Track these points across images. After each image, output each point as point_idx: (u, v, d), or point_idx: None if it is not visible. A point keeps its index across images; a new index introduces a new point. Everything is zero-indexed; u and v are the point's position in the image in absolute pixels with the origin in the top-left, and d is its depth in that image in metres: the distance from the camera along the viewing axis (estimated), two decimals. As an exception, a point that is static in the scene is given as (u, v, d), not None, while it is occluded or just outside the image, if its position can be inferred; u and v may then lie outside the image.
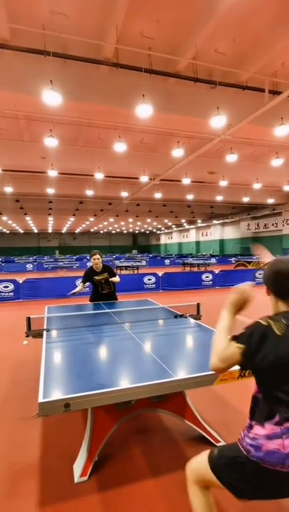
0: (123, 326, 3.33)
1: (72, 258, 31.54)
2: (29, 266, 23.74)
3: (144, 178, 15.36)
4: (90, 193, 18.45)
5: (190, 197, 20.98)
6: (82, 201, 23.41)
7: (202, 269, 19.03)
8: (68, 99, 7.47)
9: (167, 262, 27.88)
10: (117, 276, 4.88)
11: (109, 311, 4.13)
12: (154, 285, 12.31)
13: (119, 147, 10.78)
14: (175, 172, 14.35)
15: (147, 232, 57.42)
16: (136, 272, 17.42)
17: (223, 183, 17.12)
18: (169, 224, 43.94)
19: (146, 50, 7.18)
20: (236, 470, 1.27)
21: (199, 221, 38.88)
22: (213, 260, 26.24)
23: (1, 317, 8.31)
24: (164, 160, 13.69)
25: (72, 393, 1.73)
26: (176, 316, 3.66)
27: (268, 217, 29.40)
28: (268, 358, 1.22)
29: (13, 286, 10.76)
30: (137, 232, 57.42)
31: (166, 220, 38.42)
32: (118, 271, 17.75)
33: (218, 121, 8.21)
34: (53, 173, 13.97)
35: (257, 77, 8.11)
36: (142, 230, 54.27)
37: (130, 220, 36.33)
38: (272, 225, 28.93)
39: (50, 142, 10.21)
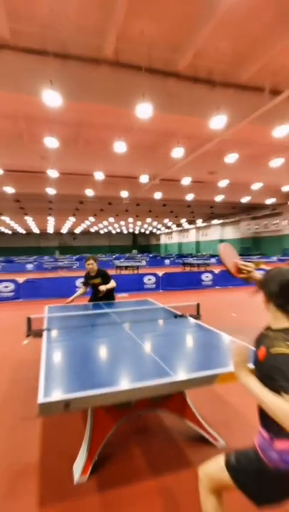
0: (123, 326, 3.33)
1: (72, 258, 31.55)
2: (29, 266, 23.74)
3: (144, 178, 15.37)
4: (90, 193, 18.45)
5: (190, 197, 20.99)
6: (82, 201, 23.42)
7: (202, 269, 19.01)
8: (68, 99, 7.48)
9: (167, 262, 27.88)
10: (112, 281, 4.91)
11: (109, 311, 4.13)
12: (154, 285, 12.31)
13: (119, 147, 10.78)
14: (175, 172, 14.36)
15: (147, 232, 57.42)
16: (136, 271, 17.41)
17: (223, 183, 17.13)
18: (169, 224, 43.95)
19: (146, 49, 7.18)
20: (259, 479, 1.29)
21: (199, 221, 38.89)
22: (213, 260, 26.21)
23: (1, 317, 8.31)
24: (164, 160, 13.70)
25: (72, 393, 1.73)
26: (176, 316, 3.65)
27: (268, 217, 29.41)
28: None
29: (13, 286, 10.76)
30: (137, 232, 57.42)
31: (166, 220, 38.44)
32: (118, 271, 17.76)
33: (218, 121, 8.22)
34: (53, 173, 13.98)
35: (257, 77, 8.12)
36: (142, 230, 54.28)
37: (130, 220, 36.35)
38: (273, 225, 28.93)
39: (50, 142, 10.22)
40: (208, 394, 3.36)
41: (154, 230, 54.38)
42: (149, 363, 2.22)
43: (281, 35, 6.80)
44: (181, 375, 1.97)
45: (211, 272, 13.39)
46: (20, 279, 11.19)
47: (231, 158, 12.34)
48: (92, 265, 4.86)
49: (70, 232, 51.31)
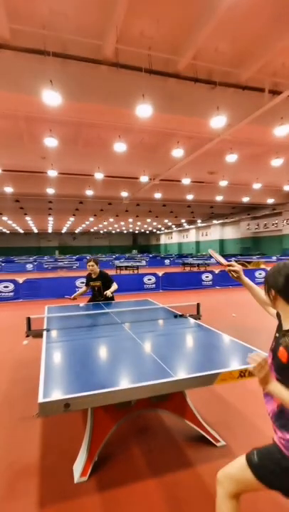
0: (123, 326, 3.33)
1: (72, 258, 31.57)
2: (29, 266, 23.75)
3: (144, 178, 15.37)
4: (89, 193, 18.46)
5: (190, 197, 20.99)
6: (82, 201, 23.42)
7: (202, 269, 19.04)
8: (68, 100, 7.48)
9: (167, 262, 27.90)
10: (114, 284, 4.90)
11: (109, 311, 4.13)
12: (154, 285, 12.32)
13: (119, 147, 10.78)
14: (175, 172, 14.36)
15: (147, 232, 57.44)
16: (136, 271, 17.42)
17: (223, 183, 17.13)
18: (169, 224, 43.96)
19: (146, 50, 7.18)
20: (286, 475, 1.29)
21: (199, 221, 38.91)
22: (213, 260, 26.22)
23: (1, 317, 8.31)
24: (164, 160, 13.69)
25: (72, 393, 1.73)
26: (176, 316, 3.66)
27: (267, 217, 29.42)
28: None
29: (13, 286, 10.77)
30: (137, 232, 57.44)
31: (166, 220, 38.44)
32: (118, 271, 17.78)
33: (218, 121, 8.22)
34: (53, 173, 13.98)
35: (257, 77, 8.11)
36: (142, 230, 54.30)
37: (130, 220, 36.35)
38: (272, 225, 28.94)
39: (50, 142, 10.22)
40: (208, 394, 3.36)
41: (154, 230, 54.39)
42: (149, 363, 2.22)
43: (281, 34, 6.80)
44: (181, 374, 1.97)
45: (211, 272, 13.40)
46: (20, 279, 11.19)
47: (231, 158, 12.34)
48: (92, 267, 4.86)
49: (70, 232, 51.32)
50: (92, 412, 2.31)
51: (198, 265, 21.50)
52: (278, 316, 1.46)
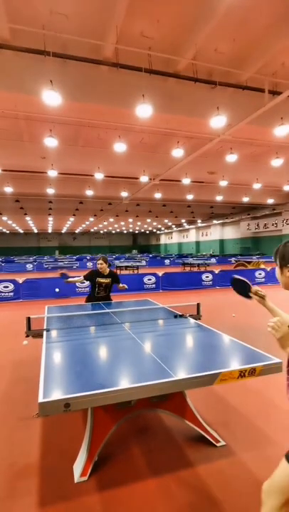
0: (123, 326, 3.33)
1: (72, 258, 31.57)
2: (29, 266, 23.76)
3: (144, 178, 15.36)
4: (90, 193, 18.45)
5: (190, 197, 20.98)
6: (82, 201, 23.42)
7: (202, 269, 19.03)
8: (68, 100, 7.48)
9: (167, 262, 27.89)
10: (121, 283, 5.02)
11: (109, 311, 4.13)
12: (154, 285, 12.32)
13: (119, 147, 10.78)
14: (175, 172, 14.34)
15: (147, 232, 57.42)
16: (136, 271, 17.41)
17: (223, 183, 17.12)
18: (169, 224, 43.94)
19: (146, 50, 7.18)
20: None
21: (199, 221, 38.90)
22: (213, 260, 26.24)
23: (1, 317, 8.31)
24: (164, 160, 13.69)
25: (72, 393, 1.73)
26: (176, 316, 3.66)
27: (267, 217, 29.40)
28: None
29: (13, 286, 10.77)
30: (137, 232, 57.41)
31: (166, 220, 38.42)
32: (118, 271, 17.76)
33: (218, 121, 8.21)
34: (53, 173, 13.97)
35: (257, 77, 8.11)
36: (142, 230, 54.28)
37: (130, 220, 36.34)
38: (272, 225, 28.92)
39: (50, 142, 10.21)
40: (208, 394, 3.36)
41: (154, 230, 54.38)
42: (149, 363, 2.22)
43: (281, 35, 6.80)
44: (181, 374, 1.97)
45: (211, 272, 13.39)
46: (20, 279, 11.19)
47: (231, 158, 12.34)
48: (102, 265, 4.91)
49: (70, 232, 51.31)
50: (92, 412, 2.31)
51: (198, 265, 21.51)
52: None
